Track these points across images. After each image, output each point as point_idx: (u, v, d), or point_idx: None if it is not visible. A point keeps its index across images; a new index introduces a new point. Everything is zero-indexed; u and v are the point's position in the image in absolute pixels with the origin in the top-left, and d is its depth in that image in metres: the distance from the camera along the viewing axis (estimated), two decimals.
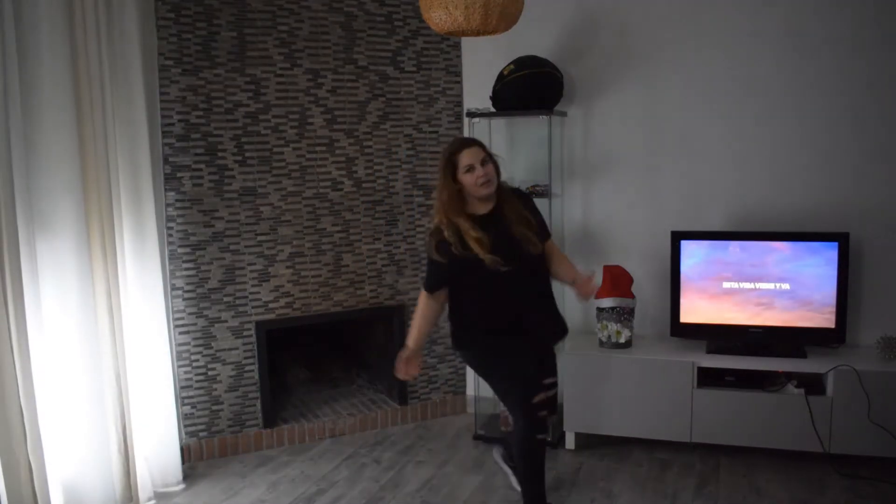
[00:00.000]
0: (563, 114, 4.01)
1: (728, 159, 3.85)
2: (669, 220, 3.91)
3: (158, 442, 3.46)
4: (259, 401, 3.93)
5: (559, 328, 3.12)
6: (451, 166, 2.89)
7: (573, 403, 3.77)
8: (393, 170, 4.13)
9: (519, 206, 2.97)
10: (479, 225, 2.88)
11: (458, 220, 2.88)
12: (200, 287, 3.75)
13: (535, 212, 3.05)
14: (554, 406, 3.05)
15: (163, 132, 3.61)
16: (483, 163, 2.88)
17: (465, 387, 4.41)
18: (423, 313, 3.04)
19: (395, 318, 4.19)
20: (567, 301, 4.17)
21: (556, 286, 3.12)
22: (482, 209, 2.95)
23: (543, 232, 3.06)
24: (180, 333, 3.72)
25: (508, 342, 2.94)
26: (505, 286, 2.88)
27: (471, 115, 3.88)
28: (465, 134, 4.13)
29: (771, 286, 3.65)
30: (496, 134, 4.14)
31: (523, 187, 3.93)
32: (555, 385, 3.05)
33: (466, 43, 4.21)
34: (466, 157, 2.87)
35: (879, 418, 3.34)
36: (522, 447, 2.97)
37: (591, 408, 3.75)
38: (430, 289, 3.01)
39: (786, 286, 3.64)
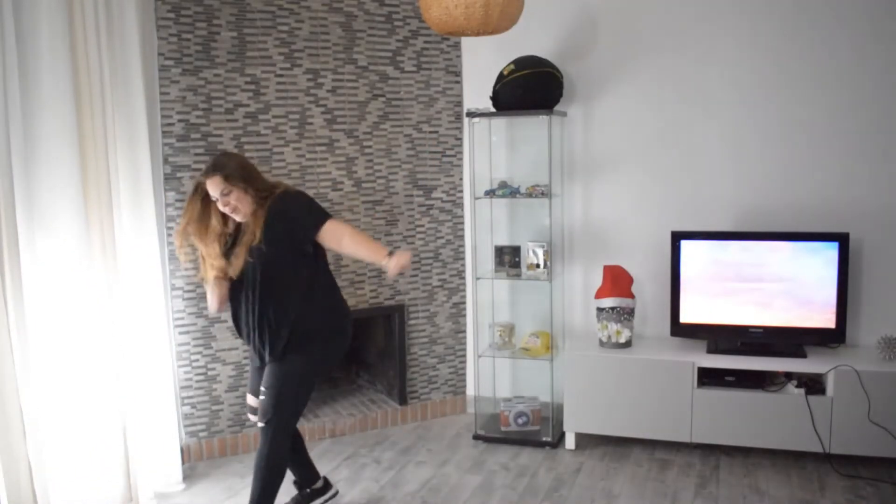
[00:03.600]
0: (563, 114, 4.01)
1: (728, 159, 3.85)
2: (669, 220, 3.91)
3: (158, 442, 3.46)
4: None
5: (270, 342, 2.92)
6: (196, 191, 2.92)
7: (573, 403, 3.77)
8: (393, 170, 4.13)
9: (257, 221, 2.85)
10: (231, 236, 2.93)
11: (199, 242, 2.94)
12: (200, 287, 3.74)
13: (284, 213, 2.88)
14: (263, 413, 2.92)
15: (163, 132, 3.61)
16: (224, 194, 2.83)
17: (465, 387, 4.41)
18: None
19: (395, 318, 4.19)
20: (567, 301, 4.17)
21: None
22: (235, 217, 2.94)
23: (293, 232, 2.90)
24: (180, 333, 3.72)
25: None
26: (234, 295, 2.96)
27: (471, 115, 3.88)
28: (465, 134, 4.13)
29: (771, 286, 3.65)
30: (496, 134, 4.14)
31: (523, 187, 3.94)
32: (265, 394, 2.90)
33: (466, 43, 4.21)
34: (209, 187, 2.86)
35: (879, 418, 3.34)
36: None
37: (591, 408, 3.75)
38: None
39: (786, 286, 3.63)
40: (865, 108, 3.63)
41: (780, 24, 3.70)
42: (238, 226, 2.95)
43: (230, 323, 3.78)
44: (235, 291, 2.95)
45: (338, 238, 2.91)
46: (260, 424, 2.92)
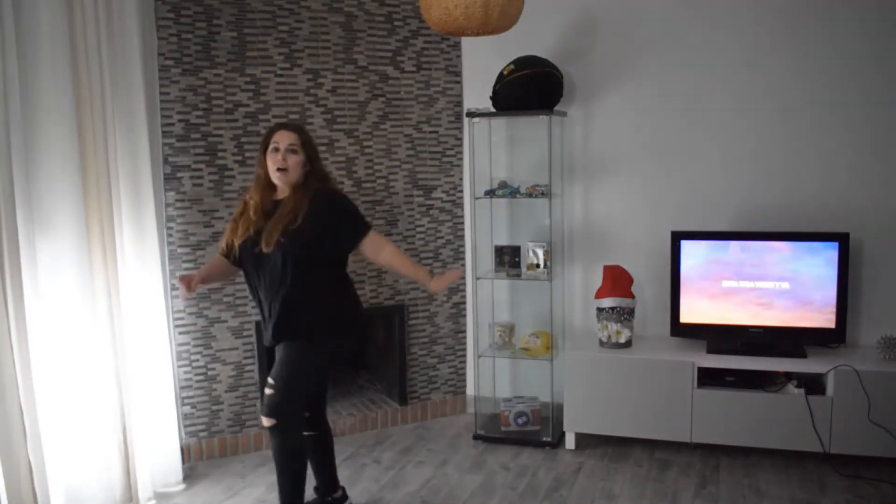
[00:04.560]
0: (563, 114, 4.01)
1: (728, 159, 3.85)
2: (669, 220, 3.91)
3: (158, 442, 3.46)
4: (259, 401, 3.93)
5: (285, 332, 2.91)
6: (265, 144, 2.92)
7: (573, 403, 3.77)
8: (393, 170, 4.13)
9: (300, 203, 2.87)
10: (269, 208, 2.91)
11: (250, 201, 2.93)
12: (200, 287, 3.74)
13: (332, 214, 2.91)
14: (270, 406, 2.89)
15: (163, 132, 3.61)
16: (290, 150, 2.85)
17: (465, 387, 4.41)
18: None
19: (395, 318, 4.19)
20: (567, 301, 4.17)
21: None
22: (280, 194, 2.94)
23: (337, 235, 2.92)
24: (180, 333, 3.72)
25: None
26: (253, 278, 2.96)
27: (471, 115, 3.88)
28: (465, 134, 4.13)
29: (771, 286, 3.65)
30: (496, 134, 4.14)
31: (523, 187, 3.94)
32: (273, 386, 2.87)
33: (466, 43, 4.21)
34: (276, 137, 2.87)
35: (879, 418, 3.34)
36: None
37: (591, 408, 3.75)
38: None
39: (786, 286, 3.64)
40: (865, 107, 3.63)
41: (780, 25, 3.70)
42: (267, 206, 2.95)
43: (230, 323, 3.80)
44: (248, 272, 2.96)
45: (377, 249, 2.98)
46: (267, 422, 2.90)
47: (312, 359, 2.93)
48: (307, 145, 2.91)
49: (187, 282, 2.99)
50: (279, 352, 2.94)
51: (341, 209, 2.96)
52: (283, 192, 2.93)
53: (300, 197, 2.87)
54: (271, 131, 2.92)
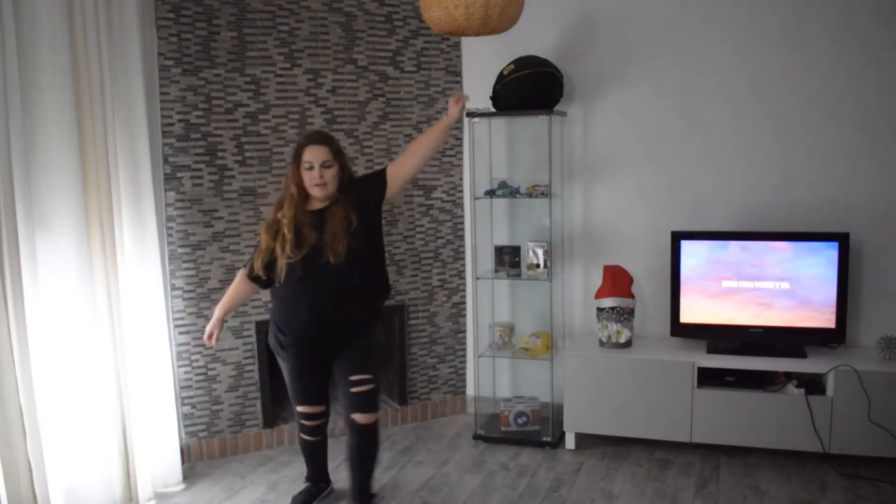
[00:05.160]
0: (563, 114, 4.01)
1: (728, 159, 3.85)
2: (669, 220, 3.91)
3: (158, 442, 3.46)
4: (259, 401, 3.93)
5: (358, 332, 3.03)
6: (297, 159, 2.91)
7: (573, 403, 3.77)
8: None
9: (346, 206, 2.91)
10: (308, 221, 2.90)
11: (282, 218, 2.92)
12: (200, 287, 3.75)
13: (361, 190, 2.99)
14: (372, 402, 3.00)
15: (163, 132, 3.61)
16: (325, 165, 2.86)
17: (465, 387, 4.41)
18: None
19: (395, 318, 4.19)
20: (567, 301, 4.17)
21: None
22: (318, 204, 2.95)
23: (373, 197, 3.00)
24: (180, 333, 3.72)
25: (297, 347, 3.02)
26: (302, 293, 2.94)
27: (471, 115, 3.88)
28: (465, 134, 4.13)
29: (771, 286, 3.65)
30: (496, 134, 4.14)
31: (523, 187, 3.94)
32: (368, 381, 2.99)
33: (466, 43, 4.21)
34: (309, 155, 2.86)
35: (879, 418, 3.34)
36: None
37: (591, 408, 3.75)
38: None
39: (786, 286, 3.64)
40: (865, 107, 3.63)
41: (780, 25, 3.70)
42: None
43: (230, 323, 3.80)
44: (296, 285, 2.92)
45: (402, 162, 3.04)
46: (371, 418, 2.98)
47: (380, 350, 3.09)
48: (338, 155, 2.92)
49: (211, 335, 3.10)
50: (350, 352, 2.99)
51: (360, 181, 3.03)
52: (317, 202, 2.95)
53: (343, 200, 2.92)
54: (301, 147, 2.90)
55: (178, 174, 3.67)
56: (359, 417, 2.98)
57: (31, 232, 2.94)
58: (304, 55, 3.88)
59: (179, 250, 3.70)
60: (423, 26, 4.08)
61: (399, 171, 3.04)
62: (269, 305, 3.82)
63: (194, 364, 3.77)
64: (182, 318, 3.72)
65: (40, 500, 3.00)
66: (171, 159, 3.65)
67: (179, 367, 3.73)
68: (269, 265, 2.96)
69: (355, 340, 3.01)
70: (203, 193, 3.72)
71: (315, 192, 2.89)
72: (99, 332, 3.22)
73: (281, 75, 3.84)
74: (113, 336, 3.28)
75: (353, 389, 2.97)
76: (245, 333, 3.86)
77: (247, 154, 3.79)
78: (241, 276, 3.14)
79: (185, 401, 3.77)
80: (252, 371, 3.90)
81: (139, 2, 3.29)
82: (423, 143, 3.08)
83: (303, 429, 3.22)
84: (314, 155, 2.86)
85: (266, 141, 3.83)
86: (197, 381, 3.79)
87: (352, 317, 2.98)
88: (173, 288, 3.69)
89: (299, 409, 3.17)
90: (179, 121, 3.65)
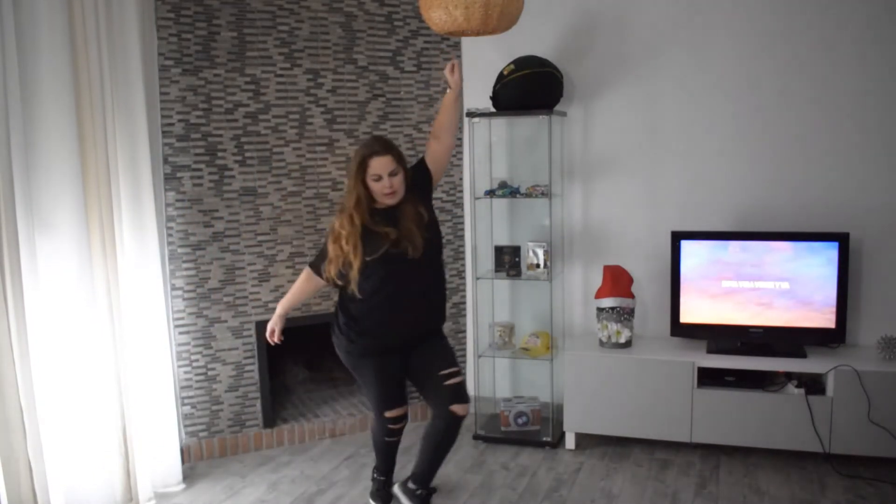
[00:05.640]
0: (563, 114, 4.01)
1: (728, 159, 3.85)
2: (669, 220, 3.91)
3: (158, 442, 3.46)
4: (259, 401, 3.93)
5: (439, 322, 3.13)
6: (362, 170, 2.89)
7: (573, 403, 3.77)
8: None
9: (415, 201, 2.95)
10: (378, 220, 2.91)
11: (355, 222, 2.91)
12: (200, 287, 3.75)
13: (416, 182, 3.00)
14: (465, 393, 3.06)
15: (163, 132, 3.61)
16: (392, 174, 2.86)
17: None
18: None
19: None
20: (567, 301, 4.18)
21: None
22: (387, 201, 2.94)
23: (426, 187, 3.06)
24: (180, 333, 3.72)
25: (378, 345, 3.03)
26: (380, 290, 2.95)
27: (471, 115, 3.88)
28: (465, 134, 4.13)
29: (771, 286, 3.65)
30: (496, 134, 4.14)
31: (523, 187, 3.94)
32: (458, 373, 3.05)
33: (466, 43, 4.21)
34: (376, 166, 2.85)
35: (879, 418, 3.34)
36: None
37: (591, 408, 3.75)
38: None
39: (786, 286, 3.64)
40: (865, 107, 3.63)
41: (781, 25, 3.70)
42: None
43: (230, 323, 3.80)
44: (379, 285, 2.92)
45: (433, 147, 3.08)
46: (463, 411, 3.01)
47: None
48: (401, 160, 2.92)
49: (272, 332, 3.11)
50: (432, 347, 3.06)
51: (410, 173, 3.00)
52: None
53: (412, 197, 2.95)
54: (365, 158, 2.87)
55: (178, 174, 3.67)
56: (457, 408, 3.01)
57: (31, 232, 2.94)
58: (304, 55, 3.88)
59: (179, 250, 3.70)
60: (423, 26, 4.08)
61: (436, 155, 3.08)
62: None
63: (194, 364, 3.77)
64: (182, 318, 3.72)
65: (40, 500, 3.00)
66: (171, 159, 3.65)
67: (179, 367, 3.73)
68: (341, 274, 2.95)
69: (433, 335, 3.10)
70: (203, 193, 3.72)
71: (387, 200, 2.91)
72: (99, 332, 3.22)
73: (281, 75, 3.84)
74: (113, 336, 3.28)
75: (448, 382, 3.01)
76: (245, 333, 3.86)
77: (247, 154, 3.79)
78: (306, 273, 3.11)
79: (185, 401, 3.77)
80: (252, 371, 3.90)
81: (139, 2, 3.29)
82: (442, 121, 3.10)
83: (389, 433, 3.17)
84: (381, 166, 2.85)
85: (266, 141, 3.83)
86: (197, 381, 3.79)
87: (433, 311, 3.07)
88: (173, 288, 3.69)
89: (388, 414, 3.11)
90: (179, 121, 3.65)
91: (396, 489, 3.25)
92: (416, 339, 3.06)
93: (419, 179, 3.03)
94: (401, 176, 2.90)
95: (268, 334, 3.13)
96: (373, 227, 2.88)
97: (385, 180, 2.85)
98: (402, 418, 3.15)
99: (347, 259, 2.89)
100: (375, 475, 3.35)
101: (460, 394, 3.02)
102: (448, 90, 3.06)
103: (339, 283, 2.97)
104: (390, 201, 2.91)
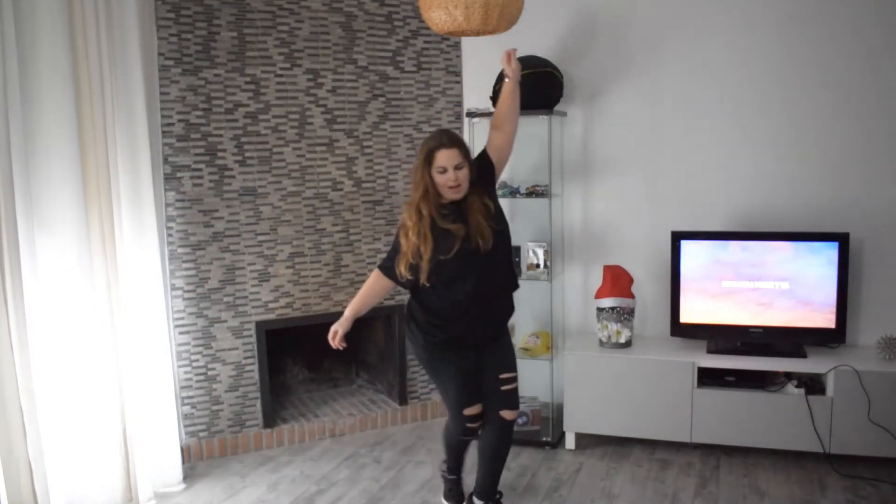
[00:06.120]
0: (563, 114, 4.01)
1: (728, 159, 3.85)
2: (669, 220, 3.91)
3: (158, 442, 3.46)
4: (259, 401, 3.93)
5: (505, 320, 3.10)
6: (428, 162, 2.87)
7: (573, 403, 3.77)
8: (393, 170, 4.13)
9: (481, 194, 2.92)
10: (446, 214, 2.89)
11: (424, 216, 2.88)
12: (200, 287, 3.75)
13: (480, 175, 2.96)
14: (516, 399, 3.05)
15: (163, 132, 3.61)
16: (458, 167, 2.85)
17: None
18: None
19: (395, 318, 4.19)
20: (567, 301, 4.18)
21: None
22: (453, 195, 2.92)
23: (490, 177, 3.01)
24: (180, 333, 3.72)
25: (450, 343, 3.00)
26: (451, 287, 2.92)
27: (471, 115, 3.88)
28: (465, 134, 4.13)
29: (771, 286, 3.65)
30: None
31: (523, 188, 3.94)
32: (514, 379, 3.04)
33: (466, 43, 4.21)
34: (442, 159, 2.84)
35: (879, 418, 3.34)
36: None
37: (591, 408, 3.75)
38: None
39: (786, 286, 3.63)
40: (866, 107, 3.63)
41: (781, 25, 3.70)
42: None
43: (230, 323, 3.80)
44: (452, 279, 2.89)
45: (496, 136, 3.02)
46: (512, 416, 3.01)
47: None
48: (467, 155, 2.90)
49: (335, 334, 3.02)
50: (497, 348, 3.03)
51: (475, 164, 2.98)
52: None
53: (477, 189, 2.92)
54: (432, 150, 2.86)
55: (178, 174, 3.67)
56: (507, 414, 3.01)
57: (31, 232, 2.94)
58: (304, 55, 3.88)
59: (179, 250, 3.70)
60: (423, 26, 4.08)
61: (498, 146, 3.04)
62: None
63: (194, 364, 3.77)
64: (182, 318, 3.72)
65: (40, 500, 3.00)
66: (171, 159, 3.65)
67: (179, 367, 3.73)
68: (413, 267, 2.92)
69: (504, 334, 3.09)
70: (203, 193, 3.72)
71: (450, 194, 2.88)
72: (99, 332, 3.22)
73: (281, 75, 3.84)
74: (113, 336, 3.28)
75: (504, 387, 3.01)
76: (245, 333, 3.86)
77: (247, 154, 3.80)
78: (375, 274, 3.06)
79: (185, 401, 3.77)
80: (252, 371, 3.90)
81: (139, 2, 3.29)
82: (502, 111, 3.03)
83: (465, 431, 3.08)
84: (447, 159, 2.84)
85: (266, 141, 3.83)
86: (197, 381, 3.79)
87: (503, 306, 3.06)
88: (173, 288, 3.69)
89: (466, 412, 3.02)
90: (179, 121, 3.65)
91: None
92: (491, 333, 3.03)
93: (482, 171, 3.00)
94: (466, 170, 2.88)
95: (330, 336, 3.02)
96: (442, 224, 2.86)
97: (450, 173, 2.84)
98: (480, 416, 3.08)
99: (418, 250, 2.87)
100: (445, 475, 3.31)
101: (513, 399, 3.03)
102: (506, 79, 2.99)
103: (411, 278, 2.92)
104: (454, 195, 2.88)
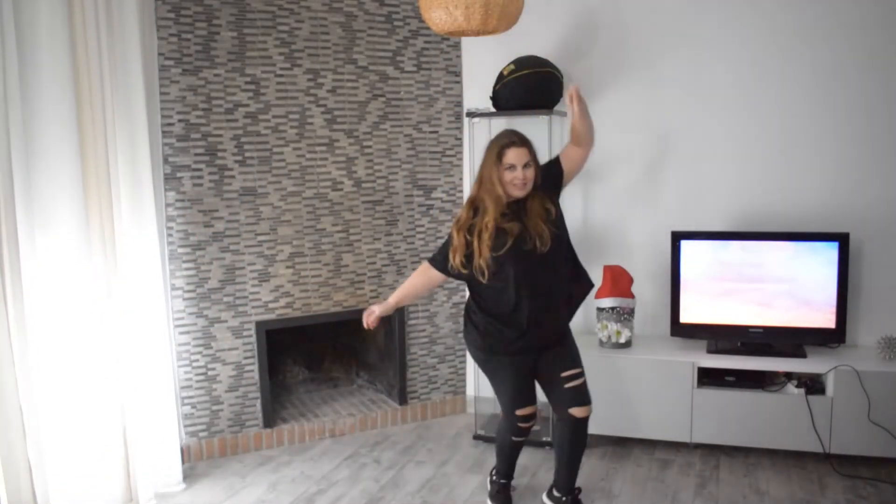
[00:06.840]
0: (563, 114, 4.00)
1: (728, 159, 3.85)
2: (669, 220, 3.91)
3: (158, 442, 3.46)
4: (259, 401, 3.93)
5: (567, 320, 3.12)
6: (498, 158, 2.88)
7: None
8: (393, 170, 4.13)
9: (542, 196, 2.95)
10: (504, 213, 2.90)
11: (489, 213, 2.89)
12: (200, 287, 3.75)
13: (546, 178, 2.98)
14: (587, 394, 3.04)
15: (163, 132, 3.61)
16: (525, 166, 2.87)
17: (465, 387, 4.41)
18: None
19: (395, 318, 4.19)
20: None
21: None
22: (515, 193, 2.93)
23: (552, 175, 3.03)
24: (180, 333, 3.72)
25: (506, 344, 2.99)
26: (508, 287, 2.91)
27: (471, 115, 3.88)
28: (465, 134, 4.14)
29: (771, 286, 3.65)
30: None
31: None
32: (580, 375, 3.02)
33: (466, 43, 4.21)
34: (511, 156, 2.86)
35: (879, 418, 3.35)
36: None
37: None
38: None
39: (786, 286, 3.64)
40: (866, 107, 3.63)
41: (781, 25, 3.70)
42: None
43: (230, 323, 3.80)
44: (508, 278, 2.90)
45: (572, 149, 3.04)
46: (587, 412, 3.00)
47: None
48: (535, 155, 2.93)
49: (371, 313, 3.06)
50: (558, 346, 3.03)
51: (542, 170, 2.99)
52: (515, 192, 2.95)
53: (540, 193, 2.94)
54: (503, 148, 2.87)
55: (178, 174, 3.67)
56: (577, 411, 2.99)
57: (31, 232, 2.94)
58: (304, 55, 3.88)
59: (179, 250, 3.70)
60: (423, 26, 4.08)
61: (573, 157, 3.06)
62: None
63: (194, 364, 3.77)
64: (182, 318, 3.72)
65: (40, 501, 3.00)
66: (171, 159, 3.65)
67: (179, 367, 3.73)
68: (468, 258, 2.93)
69: (562, 333, 3.08)
70: (203, 193, 3.72)
71: (516, 192, 2.90)
72: (99, 332, 3.22)
73: (281, 75, 3.84)
74: (113, 336, 3.28)
75: (569, 385, 3.00)
76: (245, 333, 3.86)
77: (247, 154, 3.80)
78: (422, 266, 3.10)
79: (185, 401, 3.77)
80: (252, 371, 3.90)
81: (139, 2, 3.29)
82: (578, 132, 3.01)
83: (518, 432, 3.11)
84: (517, 157, 2.86)
85: (266, 141, 3.83)
86: (197, 381, 3.79)
87: (562, 307, 3.06)
88: (173, 288, 3.69)
89: (519, 412, 3.05)
90: (179, 121, 3.65)
91: (545, 498, 3.24)
92: (548, 335, 3.02)
93: (550, 176, 3.02)
94: (533, 170, 2.90)
95: (366, 314, 3.06)
96: (499, 222, 2.88)
97: (518, 171, 2.86)
98: (532, 417, 3.09)
99: (470, 248, 2.90)
100: (494, 477, 3.30)
101: (581, 396, 3.00)
102: (572, 117, 2.98)
103: (465, 271, 2.93)
104: (519, 193, 2.89)
